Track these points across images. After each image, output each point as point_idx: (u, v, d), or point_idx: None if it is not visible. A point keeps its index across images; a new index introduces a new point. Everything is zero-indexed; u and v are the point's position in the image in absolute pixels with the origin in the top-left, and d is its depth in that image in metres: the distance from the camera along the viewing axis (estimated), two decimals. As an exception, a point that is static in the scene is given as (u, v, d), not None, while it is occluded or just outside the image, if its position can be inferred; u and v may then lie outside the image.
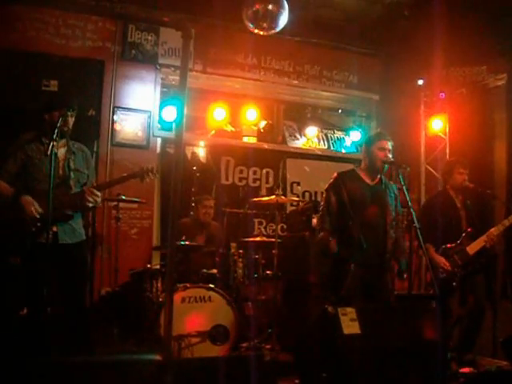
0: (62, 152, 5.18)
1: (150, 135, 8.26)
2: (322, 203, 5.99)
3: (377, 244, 5.60)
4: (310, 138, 9.80)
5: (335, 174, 5.85)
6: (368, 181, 5.77)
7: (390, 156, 5.71)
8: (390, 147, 5.74)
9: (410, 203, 5.30)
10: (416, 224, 5.16)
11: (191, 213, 7.78)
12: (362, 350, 4.42)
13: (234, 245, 7.71)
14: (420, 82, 8.89)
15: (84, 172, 5.35)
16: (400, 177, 5.47)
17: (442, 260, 6.29)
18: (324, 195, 5.97)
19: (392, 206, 5.72)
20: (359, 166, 5.93)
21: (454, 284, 6.27)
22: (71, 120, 5.18)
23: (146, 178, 5.46)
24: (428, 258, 5.64)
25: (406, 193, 5.35)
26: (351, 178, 5.77)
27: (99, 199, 5.24)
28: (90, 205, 5.18)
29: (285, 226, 8.87)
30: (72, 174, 5.21)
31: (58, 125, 4.84)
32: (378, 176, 5.82)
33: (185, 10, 8.10)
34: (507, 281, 7.68)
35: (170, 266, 2.99)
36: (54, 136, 4.70)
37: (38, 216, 4.88)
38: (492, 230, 6.35)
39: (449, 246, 6.37)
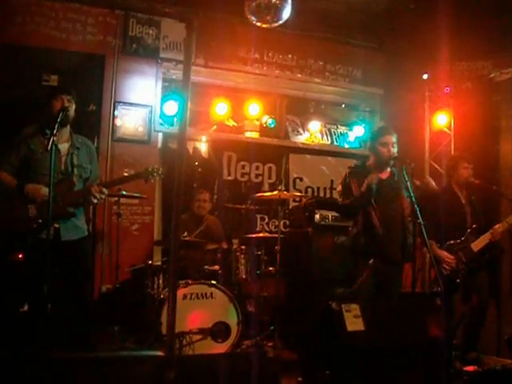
0: (65, 147, 5.18)
1: (151, 130, 8.21)
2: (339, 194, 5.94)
3: (396, 239, 5.59)
4: (313, 132, 9.74)
5: (348, 169, 5.85)
6: (380, 175, 5.75)
7: (395, 150, 5.68)
8: (394, 140, 5.72)
9: (414, 199, 5.26)
10: (420, 220, 5.13)
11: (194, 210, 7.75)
12: (366, 348, 4.38)
13: (236, 241, 7.69)
14: (425, 76, 8.83)
15: (87, 167, 5.34)
16: (404, 173, 5.42)
17: (445, 254, 6.27)
18: (340, 187, 5.90)
19: (408, 198, 5.67)
20: (368, 161, 5.91)
21: (458, 281, 6.25)
22: (71, 107, 5.13)
23: (150, 179, 5.44)
24: (432, 254, 5.59)
25: (410, 189, 5.31)
26: (364, 172, 5.74)
27: (104, 196, 5.23)
28: (95, 201, 5.17)
29: (287, 222, 8.81)
30: (75, 169, 5.21)
31: (59, 119, 4.81)
32: (388, 170, 5.80)
33: (186, 3, 8.08)
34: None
35: (174, 263, 2.94)
36: (54, 131, 4.66)
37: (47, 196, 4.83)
38: (496, 226, 6.33)
39: (453, 242, 6.35)
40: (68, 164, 5.18)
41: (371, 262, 5.47)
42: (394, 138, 5.74)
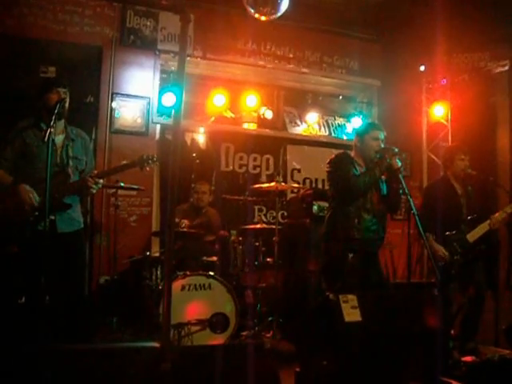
0: (60, 139, 5.16)
1: (149, 122, 8.21)
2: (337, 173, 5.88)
3: (373, 231, 5.59)
4: (310, 124, 9.75)
5: (333, 156, 5.80)
6: (363, 168, 5.75)
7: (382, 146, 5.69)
8: (383, 138, 5.72)
9: (407, 190, 5.28)
10: (414, 211, 5.13)
11: (191, 199, 7.76)
12: (363, 338, 4.39)
13: (234, 232, 7.68)
14: (422, 68, 8.85)
15: (82, 159, 5.32)
16: (398, 162, 5.44)
17: (440, 249, 6.26)
18: (332, 168, 5.84)
19: (383, 192, 5.71)
20: (352, 154, 5.89)
21: (453, 272, 6.25)
22: (66, 99, 5.12)
23: (145, 167, 5.44)
24: (427, 245, 5.59)
25: (401, 180, 5.32)
26: (350, 162, 5.72)
27: (100, 186, 5.24)
28: (93, 191, 5.19)
29: (285, 213, 8.84)
30: (70, 161, 5.18)
31: (56, 111, 4.79)
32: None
33: (184, -5, 8.05)
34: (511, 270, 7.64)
35: (169, 254, 2.95)
36: (52, 123, 4.64)
37: (35, 204, 4.86)
38: (496, 214, 6.32)
39: (449, 233, 6.34)
40: (63, 156, 5.15)
41: (351, 256, 5.46)
42: (382, 135, 5.75)
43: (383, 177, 5.65)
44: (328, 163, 5.77)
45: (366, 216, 5.55)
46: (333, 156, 5.81)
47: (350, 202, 5.55)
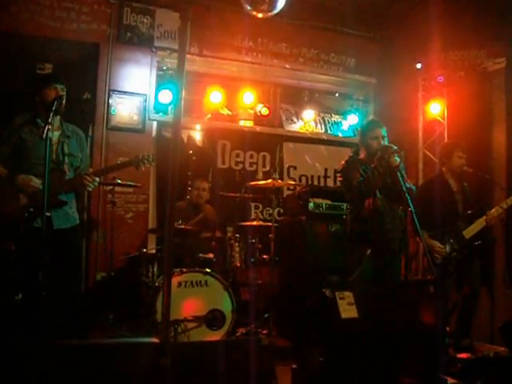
0: (55, 135, 5.16)
1: (145, 119, 8.21)
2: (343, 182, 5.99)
3: (388, 229, 5.61)
4: (307, 121, 9.75)
5: (343, 162, 5.88)
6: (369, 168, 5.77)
7: (385, 143, 5.71)
8: (384, 134, 5.75)
9: (404, 188, 5.28)
10: (412, 208, 5.15)
11: (188, 197, 7.76)
12: (360, 335, 4.41)
13: (230, 229, 7.69)
14: (418, 65, 8.84)
15: (77, 156, 5.33)
16: (397, 159, 5.45)
17: (436, 244, 6.28)
18: (342, 177, 5.92)
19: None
20: (360, 155, 5.92)
21: (451, 268, 6.26)
22: (63, 96, 5.12)
23: (141, 166, 5.45)
24: (424, 242, 5.61)
25: (399, 177, 5.33)
26: (356, 167, 5.76)
27: (97, 184, 5.25)
28: (90, 189, 5.21)
29: (281, 210, 8.84)
30: (66, 158, 5.19)
31: (54, 108, 4.79)
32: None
33: (181, -8, 8.01)
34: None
35: (168, 251, 2.96)
36: (49, 120, 4.64)
37: (40, 186, 4.83)
38: (492, 210, 6.33)
39: (445, 230, 6.35)
40: (59, 153, 5.16)
41: (369, 252, 5.50)
42: (383, 131, 5.77)
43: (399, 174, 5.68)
44: (338, 172, 5.90)
45: (378, 216, 5.59)
46: (341, 165, 5.91)
47: (362, 205, 5.62)
